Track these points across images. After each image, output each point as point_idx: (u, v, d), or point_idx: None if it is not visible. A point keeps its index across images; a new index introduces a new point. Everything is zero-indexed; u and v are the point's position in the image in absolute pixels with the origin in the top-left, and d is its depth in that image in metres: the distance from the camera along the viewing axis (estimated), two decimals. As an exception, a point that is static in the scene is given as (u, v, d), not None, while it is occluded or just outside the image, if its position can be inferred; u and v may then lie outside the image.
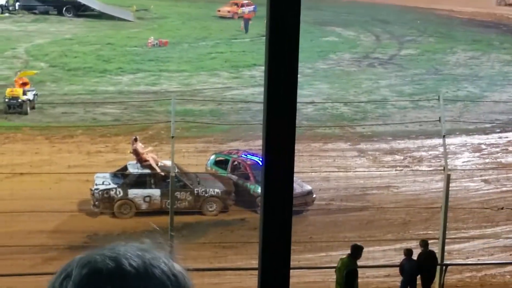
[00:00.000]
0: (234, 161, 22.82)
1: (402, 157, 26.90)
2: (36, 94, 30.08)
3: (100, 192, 20.77)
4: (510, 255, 19.93)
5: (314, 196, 21.66)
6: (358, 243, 14.74)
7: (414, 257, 15.43)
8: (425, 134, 28.48)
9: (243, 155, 23.05)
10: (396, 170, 25.25)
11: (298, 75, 3.22)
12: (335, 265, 14.71)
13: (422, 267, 15.16)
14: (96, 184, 20.94)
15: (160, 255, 1.56)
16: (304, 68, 36.85)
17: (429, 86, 37.15)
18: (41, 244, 18.59)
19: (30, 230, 19.36)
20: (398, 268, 15.76)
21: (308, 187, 21.57)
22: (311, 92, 33.74)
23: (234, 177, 22.27)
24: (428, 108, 31.06)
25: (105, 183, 21.07)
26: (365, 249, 14.81)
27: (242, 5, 53.80)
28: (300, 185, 20.84)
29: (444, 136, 14.95)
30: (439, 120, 14.99)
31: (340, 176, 24.00)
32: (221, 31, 48.81)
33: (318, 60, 41.69)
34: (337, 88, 36.35)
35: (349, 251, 14.44)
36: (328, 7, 58.55)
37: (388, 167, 25.62)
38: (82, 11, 51.93)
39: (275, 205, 3.27)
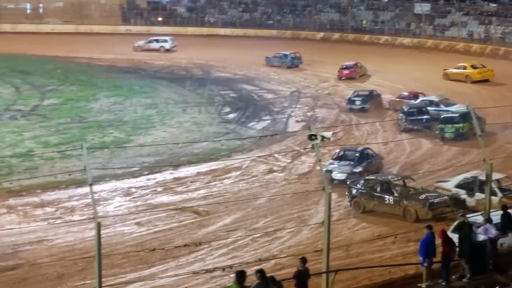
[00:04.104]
0: None
1: (53, 209, 26.37)
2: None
3: None
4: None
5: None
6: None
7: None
8: (76, 183, 28.27)
9: None
10: (48, 223, 24.58)
11: None
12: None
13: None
14: None
15: None
16: None
17: (75, 134, 37.01)
18: None
19: None
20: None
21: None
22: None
23: None
24: (76, 157, 30.86)
25: None
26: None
27: None
28: None
29: (91, 185, 14.72)
30: (84, 169, 14.72)
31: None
32: None
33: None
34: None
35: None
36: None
37: (40, 221, 24.89)
38: None
39: None
